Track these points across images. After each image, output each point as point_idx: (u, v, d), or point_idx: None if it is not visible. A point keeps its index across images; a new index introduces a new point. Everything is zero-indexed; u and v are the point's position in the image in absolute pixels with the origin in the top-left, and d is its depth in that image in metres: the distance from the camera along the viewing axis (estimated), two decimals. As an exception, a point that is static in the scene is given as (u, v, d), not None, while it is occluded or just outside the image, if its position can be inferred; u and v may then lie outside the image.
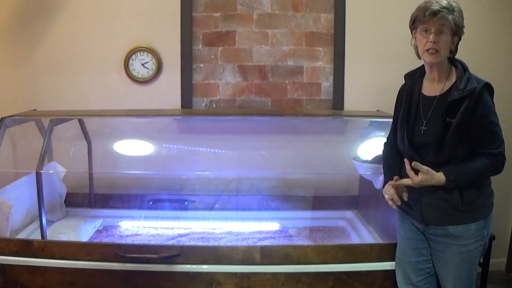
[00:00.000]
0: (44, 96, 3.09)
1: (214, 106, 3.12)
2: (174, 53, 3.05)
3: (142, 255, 2.20)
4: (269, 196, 3.02)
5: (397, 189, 1.95)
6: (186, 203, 3.02)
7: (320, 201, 3.04)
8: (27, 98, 3.08)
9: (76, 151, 3.06)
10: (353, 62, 3.07)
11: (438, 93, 1.87)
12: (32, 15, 3.04)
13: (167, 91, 3.08)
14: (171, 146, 3.08)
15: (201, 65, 3.08)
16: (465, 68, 1.86)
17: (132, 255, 2.21)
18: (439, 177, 1.81)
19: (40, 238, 2.37)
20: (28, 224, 2.71)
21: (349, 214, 3.03)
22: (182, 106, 3.09)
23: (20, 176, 2.69)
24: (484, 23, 3.07)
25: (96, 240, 2.75)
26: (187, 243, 2.64)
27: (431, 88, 1.92)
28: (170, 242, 2.70)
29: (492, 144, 1.81)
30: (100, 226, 2.92)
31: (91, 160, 3.04)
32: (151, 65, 3.05)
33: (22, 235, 2.58)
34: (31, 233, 2.65)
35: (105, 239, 2.80)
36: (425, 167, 1.82)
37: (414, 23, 1.88)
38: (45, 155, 2.48)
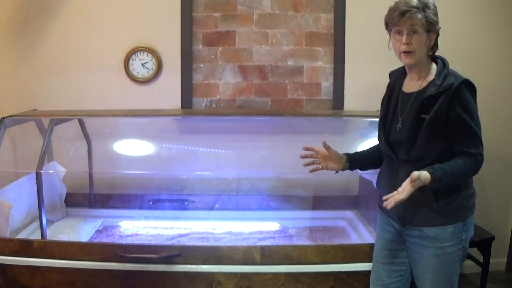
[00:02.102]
0: (44, 96, 3.09)
1: (214, 106, 3.12)
2: (174, 53, 3.05)
3: (142, 255, 2.21)
4: (269, 196, 3.02)
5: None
6: (186, 203, 3.02)
7: (320, 201, 3.04)
8: (27, 98, 3.08)
9: (76, 151, 3.06)
10: (353, 62, 3.07)
11: (416, 90, 1.82)
12: (32, 15, 3.03)
13: (167, 91, 3.08)
14: (171, 146, 3.08)
15: (201, 65, 3.08)
16: (445, 65, 1.80)
17: (132, 255, 2.21)
18: (425, 174, 1.66)
19: (40, 238, 2.37)
20: (28, 224, 2.71)
21: (349, 214, 3.03)
22: (182, 106, 3.09)
23: (20, 176, 2.69)
24: (486, 24, 3.07)
25: (96, 240, 2.75)
26: (187, 243, 2.64)
27: (410, 85, 1.87)
28: (170, 242, 2.69)
29: (471, 143, 1.73)
30: (100, 226, 2.92)
31: (91, 160, 3.04)
32: (151, 65, 3.05)
33: (22, 235, 2.58)
34: (31, 233, 2.65)
35: (105, 239, 2.79)
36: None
37: (387, 26, 1.82)
38: (45, 155, 2.48)
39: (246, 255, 2.22)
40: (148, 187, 3.07)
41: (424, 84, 1.80)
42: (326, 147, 1.97)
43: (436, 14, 1.74)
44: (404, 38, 1.74)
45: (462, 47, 3.07)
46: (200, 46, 3.07)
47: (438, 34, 1.78)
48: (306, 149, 1.99)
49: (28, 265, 2.25)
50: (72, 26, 3.04)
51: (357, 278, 2.22)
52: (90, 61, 3.07)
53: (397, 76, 1.95)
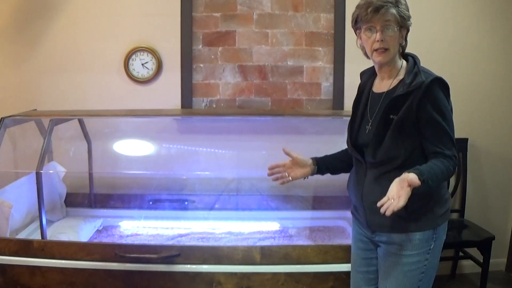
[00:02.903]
0: (44, 96, 3.09)
1: (214, 106, 3.12)
2: (174, 53, 3.05)
3: (142, 255, 2.21)
4: (269, 196, 3.02)
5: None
6: (186, 203, 3.02)
7: (320, 201, 3.04)
8: (27, 98, 3.08)
9: (76, 151, 3.06)
10: (353, 62, 3.07)
11: (386, 90, 1.74)
12: (32, 15, 3.03)
13: (167, 91, 3.08)
14: (171, 146, 3.08)
15: (201, 65, 3.08)
16: (415, 62, 1.72)
17: (132, 255, 2.21)
18: (412, 175, 1.49)
19: (40, 238, 2.37)
20: (28, 224, 2.71)
21: (349, 214, 3.00)
22: (182, 106, 3.09)
23: (20, 176, 2.69)
24: (485, 24, 3.07)
25: (96, 240, 2.75)
26: (187, 243, 2.64)
27: (381, 85, 1.78)
28: (170, 242, 2.69)
29: (444, 145, 1.62)
30: (100, 226, 2.92)
31: (91, 160, 3.04)
32: (151, 65, 3.05)
33: (22, 235, 2.58)
34: (31, 233, 2.65)
35: (105, 239, 2.79)
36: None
37: (356, 23, 1.73)
38: (45, 155, 2.48)
39: (246, 255, 2.22)
40: (148, 187, 3.06)
41: (394, 83, 1.73)
42: (286, 152, 1.92)
43: (407, 9, 1.68)
44: (378, 35, 1.65)
45: (461, 47, 3.07)
46: (200, 46, 3.07)
47: (408, 31, 1.72)
48: (271, 168, 1.93)
49: (28, 265, 2.25)
50: (72, 26, 3.04)
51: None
52: (90, 61, 3.07)
53: (368, 76, 1.88)
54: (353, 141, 1.83)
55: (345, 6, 3.01)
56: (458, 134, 3.13)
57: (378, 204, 1.51)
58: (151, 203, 3.02)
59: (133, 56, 3.04)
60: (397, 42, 1.69)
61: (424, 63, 3.19)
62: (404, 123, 1.64)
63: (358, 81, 3.12)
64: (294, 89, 3.11)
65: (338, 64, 3.06)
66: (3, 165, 2.79)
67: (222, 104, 3.12)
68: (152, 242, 2.68)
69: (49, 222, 2.79)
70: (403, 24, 1.67)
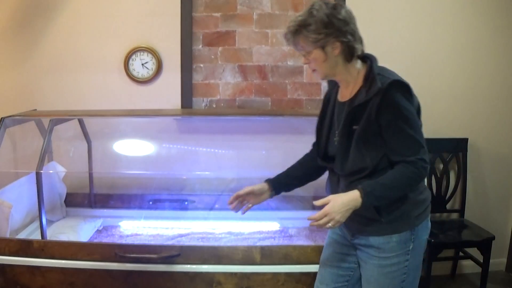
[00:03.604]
0: (44, 96, 3.09)
1: (214, 106, 3.12)
2: (174, 53, 3.05)
3: (142, 255, 2.21)
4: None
5: None
6: (186, 203, 3.02)
7: (320, 201, 3.04)
8: (27, 98, 3.08)
9: (76, 151, 3.06)
10: (353, 62, 3.07)
11: (348, 99, 1.70)
12: (32, 15, 3.03)
13: (167, 91, 3.08)
14: (171, 146, 3.08)
15: (201, 65, 3.08)
16: (372, 67, 1.65)
17: (132, 255, 2.21)
18: (352, 195, 1.56)
19: (40, 238, 2.37)
20: (28, 224, 2.71)
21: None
22: (182, 106, 3.09)
23: (20, 176, 2.69)
24: (486, 23, 3.07)
25: (96, 240, 2.75)
26: (187, 243, 2.64)
27: (344, 93, 1.73)
28: (170, 242, 2.70)
29: (408, 150, 1.58)
30: (100, 226, 2.92)
31: (91, 160, 3.04)
32: (151, 65, 3.05)
33: (22, 235, 2.58)
34: (31, 233, 2.65)
35: (105, 239, 2.80)
36: (327, 198, 1.61)
37: None
38: (45, 155, 2.48)
39: (246, 255, 2.22)
40: (148, 187, 3.07)
41: (355, 90, 1.68)
42: (240, 194, 1.88)
43: (319, 30, 1.59)
44: (303, 60, 1.69)
45: (461, 47, 3.07)
46: (200, 46, 3.07)
47: (342, 42, 1.61)
48: (231, 203, 1.89)
49: (28, 265, 2.25)
50: (72, 26, 3.04)
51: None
52: (90, 61, 3.07)
53: (333, 84, 1.82)
54: (321, 155, 1.81)
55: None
56: (458, 134, 3.16)
57: (308, 218, 1.60)
58: (151, 203, 3.02)
59: (133, 56, 3.04)
60: (324, 61, 1.64)
61: (424, 63, 3.21)
62: (367, 133, 1.61)
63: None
64: (294, 89, 3.11)
65: (338, 64, 3.06)
66: (3, 165, 2.79)
67: (222, 104, 3.12)
68: (152, 242, 2.68)
69: (49, 222, 2.79)
70: (320, 45, 1.61)
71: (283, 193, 2.98)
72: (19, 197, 2.57)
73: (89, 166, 3.05)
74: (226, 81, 3.10)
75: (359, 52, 1.67)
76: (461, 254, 3.13)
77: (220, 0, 3.04)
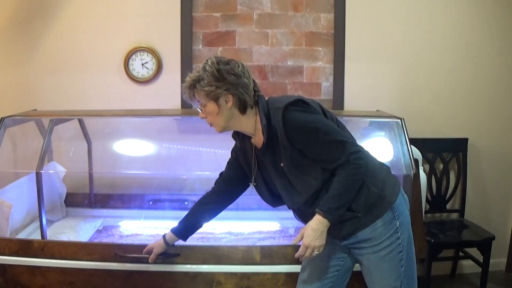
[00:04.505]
0: (44, 96, 3.09)
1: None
2: (174, 53, 3.05)
3: (142, 255, 2.20)
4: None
5: None
6: (186, 203, 3.01)
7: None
8: (27, 98, 3.08)
9: (76, 151, 3.06)
10: (353, 62, 3.07)
11: (261, 143, 1.74)
12: (32, 15, 3.04)
13: (167, 91, 3.08)
14: (171, 146, 3.08)
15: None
16: (259, 109, 1.71)
17: (132, 255, 2.21)
18: (316, 219, 1.65)
19: (40, 238, 2.37)
20: (28, 224, 2.71)
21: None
22: (182, 106, 3.09)
23: (20, 176, 2.69)
24: (486, 22, 3.07)
25: (96, 240, 2.75)
26: (187, 243, 2.64)
27: (257, 140, 1.77)
28: (170, 242, 2.69)
29: (335, 154, 1.63)
30: (100, 226, 2.92)
31: (91, 160, 3.04)
32: (151, 65, 3.05)
33: (22, 235, 2.57)
34: (31, 233, 2.65)
35: (105, 239, 2.80)
36: (300, 233, 1.69)
37: None
38: (45, 155, 2.48)
39: (246, 255, 2.22)
40: (148, 187, 3.07)
41: (262, 135, 1.72)
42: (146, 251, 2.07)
43: (211, 83, 1.67)
44: (200, 114, 1.76)
45: (461, 47, 3.07)
46: (200, 46, 3.07)
47: (234, 94, 1.68)
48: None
49: (28, 265, 2.25)
50: (72, 26, 3.04)
51: (356, 278, 2.21)
52: (90, 61, 3.07)
53: (241, 137, 1.84)
54: (270, 201, 1.86)
55: (345, 6, 3.02)
56: (458, 134, 3.16)
57: (296, 256, 1.71)
58: (151, 203, 3.02)
59: (133, 56, 3.04)
60: (218, 114, 1.71)
61: (424, 63, 3.21)
62: (295, 163, 1.67)
63: (358, 81, 3.14)
64: (294, 89, 3.11)
65: (338, 64, 3.07)
66: (3, 165, 2.79)
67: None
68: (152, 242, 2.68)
69: (49, 222, 2.79)
70: (213, 96, 1.68)
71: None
72: (19, 197, 2.56)
73: (89, 166, 3.05)
74: (226, 81, 3.09)
75: (252, 103, 1.72)
76: (461, 254, 3.13)
77: (220, 0, 3.04)
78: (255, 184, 1.84)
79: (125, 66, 3.05)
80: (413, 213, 2.25)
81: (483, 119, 3.14)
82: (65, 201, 2.98)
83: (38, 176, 2.37)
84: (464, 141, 3.10)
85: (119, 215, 2.98)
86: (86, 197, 3.06)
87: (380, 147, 2.25)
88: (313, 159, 1.66)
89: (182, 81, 3.02)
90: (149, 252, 2.07)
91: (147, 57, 3.04)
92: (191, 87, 1.73)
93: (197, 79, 1.71)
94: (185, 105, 3.08)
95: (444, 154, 3.07)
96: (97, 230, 2.88)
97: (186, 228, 2.04)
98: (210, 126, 1.78)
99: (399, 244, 1.74)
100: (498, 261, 3.22)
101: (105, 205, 3.04)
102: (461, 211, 3.13)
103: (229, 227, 2.87)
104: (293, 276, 2.22)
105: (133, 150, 3.01)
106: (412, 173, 2.33)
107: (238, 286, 2.22)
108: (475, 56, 3.09)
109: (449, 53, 3.07)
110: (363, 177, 1.68)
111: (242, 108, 1.71)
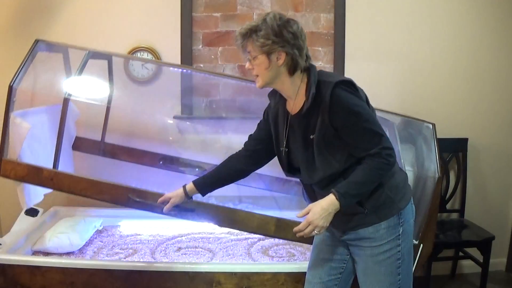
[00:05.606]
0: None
1: (214, 106, 3.12)
2: (174, 53, 3.05)
3: (157, 204, 2.03)
4: (270, 196, 3.02)
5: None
6: (197, 169, 2.99)
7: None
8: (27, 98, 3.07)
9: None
10: (353, 62, 3.07)
11: (297, 111, 1.72)
12: (32, 15, 3.03)
13: (167, 91, 3.08)
14: (171, 146, 3.08)
15: (201, 65, 3.08)
16: (310, 76, 1.68)
17: (145, 201, 2.12)
18: (329, 198, 1.60)
19: (52, 168, 2.25)
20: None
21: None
22: (182, 107, 3.08)
23: (41, 104, 2.63)
24: (487, 21, 3.07)
25: (96, 240, 2.75)
26: (204, 200, 2.34)
27: (292, 106, 1.74)
28: (170, 242, 2.70)
29: (369, 143, 1.61)
30: (100, 225, 2.92)
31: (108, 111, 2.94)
32: (151, 65, 3.05)
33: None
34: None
35: (105, 239, 2.80)
36: (307, 208, 1.65)
37: None
38: (74, 86, 2.39)
39: (261, 223, 2.18)
40: (160, 147, 3.02)
41: (301, 102, 1.70)
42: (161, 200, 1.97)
43: (268, 36, 1.64)
44: (247, 64, 1.71)
45: (461, 46, 3.08)
46: (200, 46, 3.07)
47: (288, 53, 1.65)
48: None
49: (28, 265, 2.25)
50: (72, 26, 3.04)
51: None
52: (90, 61, 3.05)
53: (277, 98, 1.82)
54: (286, 169, 1.82)
55: (345, 6, 3.01)
56: (458, 134, 3.16)
57: (295, 230, 1.64)
58: (161, 162, 2.97)
59: (133, 56, 3.04)
60: (266, 69, 1.67)
61: (423, 63, 3.20)
62: (326, 139, 1.64)
63: (358, 81, 3.12)
64: (294, 89, 3.11)
65: (338, 64, 3.06)
66: (28, 88, 2.62)
67: (222, 104, 3.11)
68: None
69: (49, 222, 2.80)
70: (266, 51, 1.64)
71: (283, 193, 3.02)
72: (37, 123, 2.46)
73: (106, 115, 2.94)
74: (226, 81, 3.09)
75: (302, 67, 1.69)
76: (461, 254, 3.13)
77: (220, 0, 3.04)
78: (286, 149, 1.78)
79: (125, 66, 3.04)
80: (429, 217, 2.23)
81: (483, 119, 3.14)
82: (73, 146, 2.91)
83: (65, 103, 2.29)
84: (464, 141, 3.10)
85: (119, 215, 2.98)
86: (96, 145, 2.94)
87: (409, 148, 2.23)
88: (347, 142, 1.63)
89: (182, 81, 3.08)
90: (165, 202, 1.96)
91: (147, 57, 3.04)
92: (246, 35, 1.66)
93: (255, 29, 1.65)
94: (184, 110, 3.07)
95: (444, 154, 3.07)
96: (97, 230, 2.88)
97: (209, 182, 1.95)
98: (256, 77, 1.70)
99: (399, 251, 1.71)
100: (498, 261, 3.22)
101: (113, 156, 2.94)
102: (461, 211, 3.13)
103: (229, 227, 2.86)
104: (293, 276, 2.22)
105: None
106: (436, 176, 2.31)
107: (238, 286, 2.22)
108: (476, 56, 3.09)
109: (449, 53, 3.07)
110: (385, 175, 1.66)
111: (292, 69, 1.67)
